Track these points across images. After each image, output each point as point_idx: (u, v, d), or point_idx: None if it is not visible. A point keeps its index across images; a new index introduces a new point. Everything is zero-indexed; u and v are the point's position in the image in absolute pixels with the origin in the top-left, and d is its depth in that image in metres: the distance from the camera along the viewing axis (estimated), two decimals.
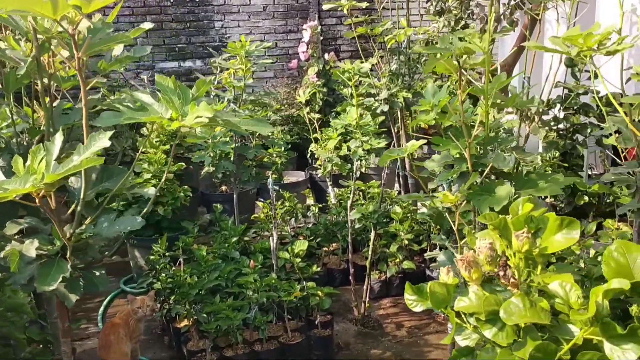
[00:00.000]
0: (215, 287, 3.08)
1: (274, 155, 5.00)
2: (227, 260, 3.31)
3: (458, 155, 1.96)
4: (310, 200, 5.08)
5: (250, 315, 2.93)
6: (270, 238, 3.18)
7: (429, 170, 2.21)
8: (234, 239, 3.36)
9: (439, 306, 1.24)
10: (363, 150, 3.29)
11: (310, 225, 4.16)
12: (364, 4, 4.02)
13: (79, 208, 1.42)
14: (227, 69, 3.53)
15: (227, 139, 3.45)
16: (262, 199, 4.30)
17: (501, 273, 1.22)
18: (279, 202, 4.09)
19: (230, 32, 6.07)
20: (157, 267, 3.12)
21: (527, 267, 1.20)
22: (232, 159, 3.69)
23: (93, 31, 1.34)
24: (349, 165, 4.77)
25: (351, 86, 3.38)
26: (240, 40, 3.38)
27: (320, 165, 4.27)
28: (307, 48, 6.03)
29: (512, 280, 1.22)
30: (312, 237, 3.87)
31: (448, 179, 2.18)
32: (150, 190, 2.31)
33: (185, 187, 4.08)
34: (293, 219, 4.26)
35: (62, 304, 1.53)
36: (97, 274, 1.47)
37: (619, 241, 1.42)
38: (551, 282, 1.13)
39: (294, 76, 6.32)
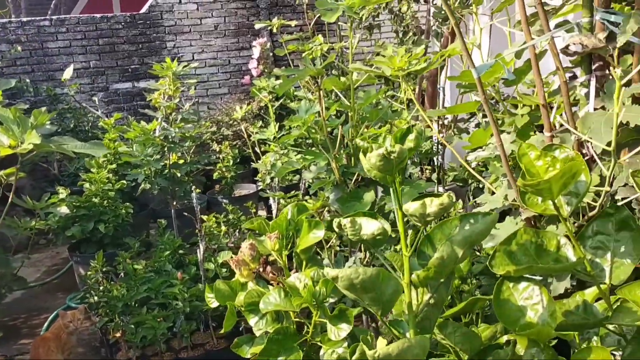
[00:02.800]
0: (145, 299, 3.22)
1: (223, 169, 5.17)
2: (161, 273, 3.46)
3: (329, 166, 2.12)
4: (261, 212, 5.24)
5: (177, 325, 3.07)
6: (197, 250, 3.32)
7: None
8: (167, 252, 3.50)
9: (224, 301, 1.40)
10: (281, 163, 3.44)
11: None
12: (293, 23, 4.18)
13: None
14: (157, 90, 3.67)
15: (158, 156, 3.60)
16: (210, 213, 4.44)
17: (261, 269, 1.38)
18: (222, 215, 4.24)
19: (182, 51, 6.23)
20: (89, 282, 3.25)
21: (298, 262, 1.36)
22: (182, 175, 3.84)
23: None
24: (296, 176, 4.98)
25: (267, 102, 3.54)
26: (166, 63, 3.54)
27: (260, 178, 4.42)
28: (258, 64, 6.19)
29: (271, 275, 1.38)
30: None
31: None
32: (63, 209, 2.46)
33: (127, 204, 4.22)
34: (237, 231, 4.40)
35: None
36: None
37: None
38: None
39: (247, 92, 6.48)
